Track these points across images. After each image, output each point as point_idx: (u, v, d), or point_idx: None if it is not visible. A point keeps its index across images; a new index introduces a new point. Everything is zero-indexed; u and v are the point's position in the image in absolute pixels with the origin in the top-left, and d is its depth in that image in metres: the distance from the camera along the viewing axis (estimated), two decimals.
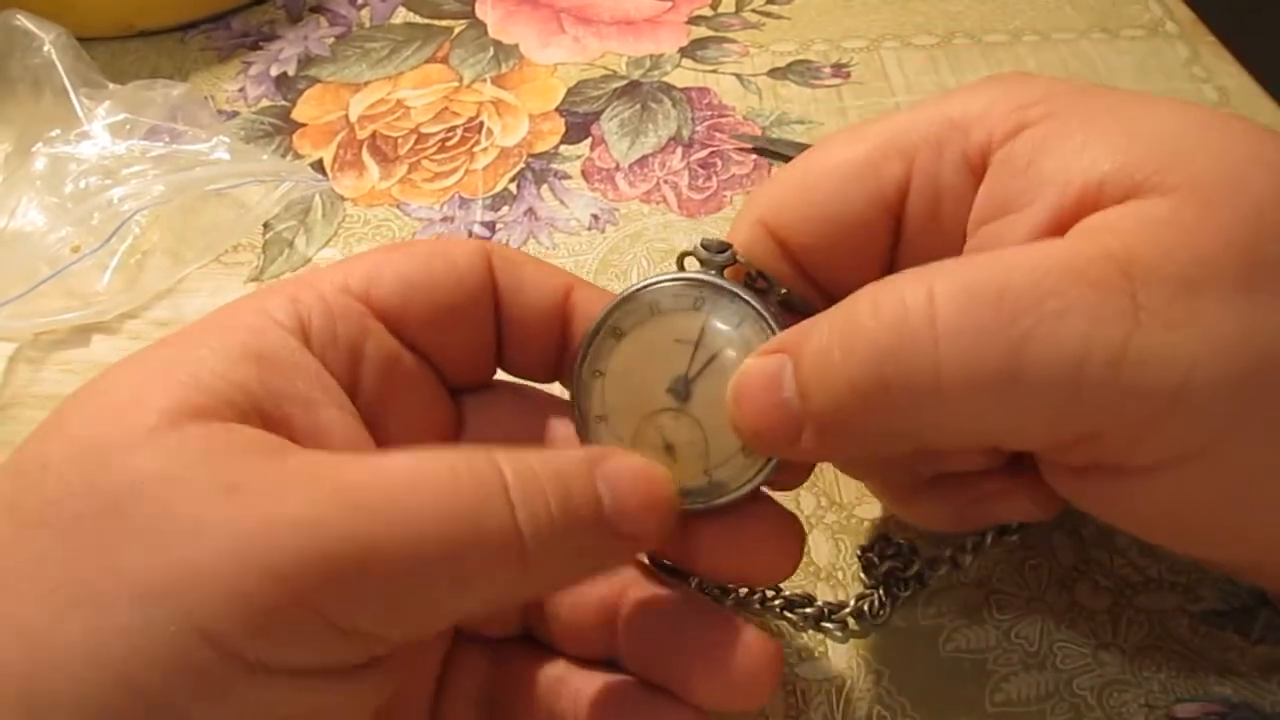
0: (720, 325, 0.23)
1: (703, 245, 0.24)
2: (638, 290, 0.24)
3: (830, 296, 0.23)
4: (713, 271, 0.24)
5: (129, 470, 0.17)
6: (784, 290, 0.24)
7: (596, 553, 0.20)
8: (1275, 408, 0.18)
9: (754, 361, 0.22)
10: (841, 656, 0.28)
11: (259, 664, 0.16)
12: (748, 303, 0.23)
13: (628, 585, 0.23)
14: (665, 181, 0.42)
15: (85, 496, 0.17)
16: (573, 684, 0.23)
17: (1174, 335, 0.18)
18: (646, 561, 0.25)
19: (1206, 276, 0.18)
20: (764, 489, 0.23)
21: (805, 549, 0.30)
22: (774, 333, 0.22)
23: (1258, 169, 0.19)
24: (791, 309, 0.24)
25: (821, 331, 0.20)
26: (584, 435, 0.24)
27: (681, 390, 0.23)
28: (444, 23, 0.50)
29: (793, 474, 0.25)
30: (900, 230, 0.24)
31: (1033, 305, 0.18)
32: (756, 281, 0.24)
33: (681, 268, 0.24)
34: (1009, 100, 0.22)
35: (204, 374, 0.19)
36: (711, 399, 0.23)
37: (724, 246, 0.24)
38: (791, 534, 0.24)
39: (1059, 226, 0.20)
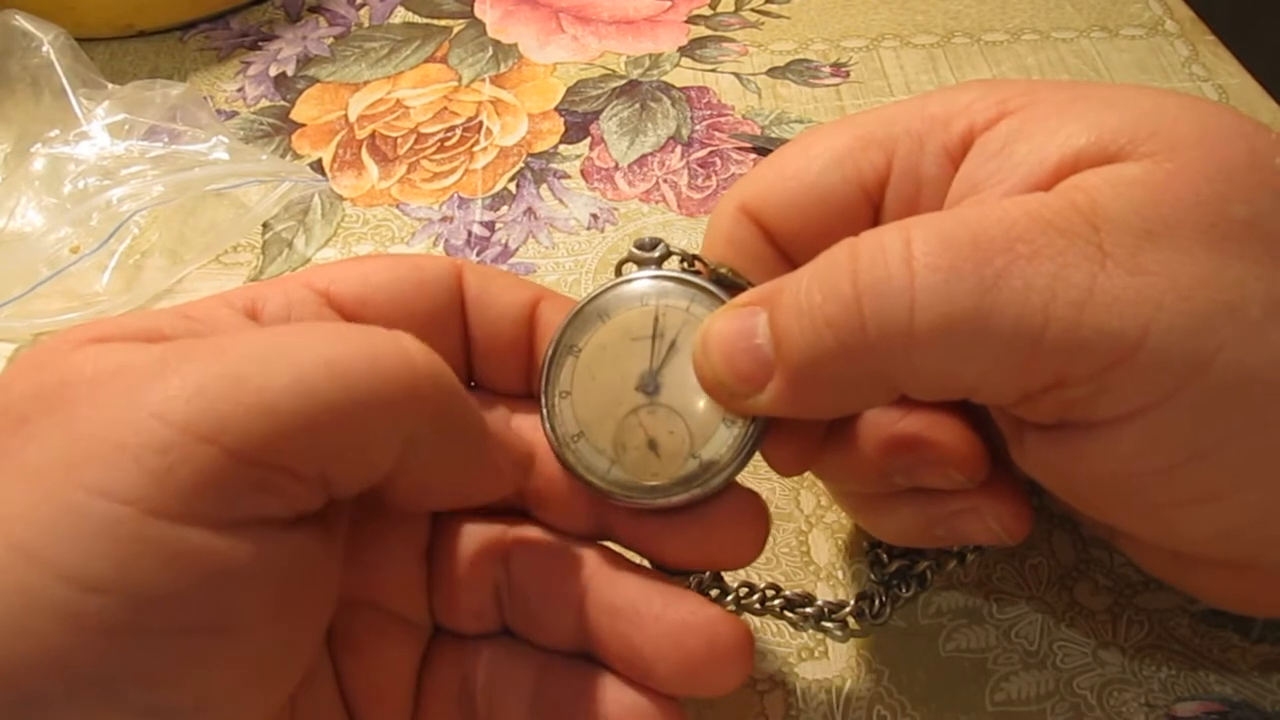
0: (672, 311, 0.23)
1: (635, 246, 0.24)
2: (584, 305, 0.24)
3: None
4: (650, 267, 0.24)
5: (31, 384, 0.18)
6: (721, 269, 0.24)
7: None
8: (1233, 356, 0.18)
9: (723, 313, 0.22)
10: (841, 656, 0.28)
11: (174, 516, 0.16)
12: (692, 284, 0.23)
13: (596, 574, 0.23)
14: (664, 181, 0.42)
15: (3, 417, 0.18)
16: (545, 678, 0.23)
17: (1138, 281, 0.18)
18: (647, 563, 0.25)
19: (1170, 230, 0.19)
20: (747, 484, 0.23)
21: (805, 549, 0.30)
22: (724, 303, 0.23)
23: (1231, 138, 0.20)
24: (729, 285, 0.24)
25: (800, 278, 0.21)
26: (561, 456, 0.24)
27: (650, 384, 0.23)
28: (443, 22, 0.50)
29: (787, 448, 0.24)
30: (879, 219, 0.24)
31: (1004, 248, 0.19)
32: (694, 265, 0.24)
33: (620, 275, 0.25)
34: (991, 95, 0.23)
35: (129, 320, 0.20)
36: (681, 381, 0.23)
37: (655, 242, 0.24)
38: (757, 516, 0.24)
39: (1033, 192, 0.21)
